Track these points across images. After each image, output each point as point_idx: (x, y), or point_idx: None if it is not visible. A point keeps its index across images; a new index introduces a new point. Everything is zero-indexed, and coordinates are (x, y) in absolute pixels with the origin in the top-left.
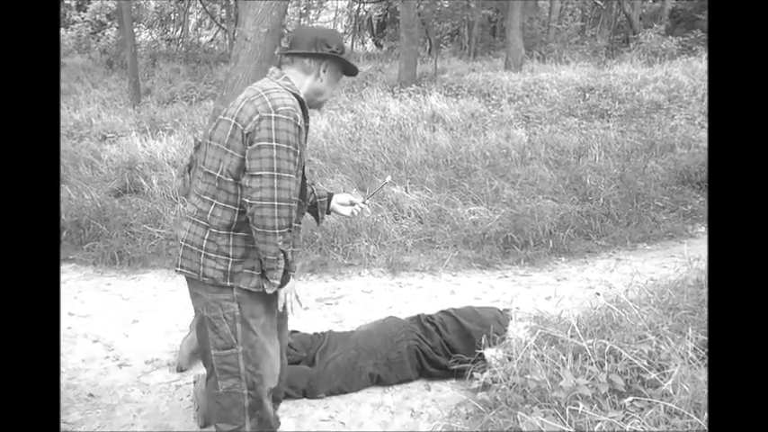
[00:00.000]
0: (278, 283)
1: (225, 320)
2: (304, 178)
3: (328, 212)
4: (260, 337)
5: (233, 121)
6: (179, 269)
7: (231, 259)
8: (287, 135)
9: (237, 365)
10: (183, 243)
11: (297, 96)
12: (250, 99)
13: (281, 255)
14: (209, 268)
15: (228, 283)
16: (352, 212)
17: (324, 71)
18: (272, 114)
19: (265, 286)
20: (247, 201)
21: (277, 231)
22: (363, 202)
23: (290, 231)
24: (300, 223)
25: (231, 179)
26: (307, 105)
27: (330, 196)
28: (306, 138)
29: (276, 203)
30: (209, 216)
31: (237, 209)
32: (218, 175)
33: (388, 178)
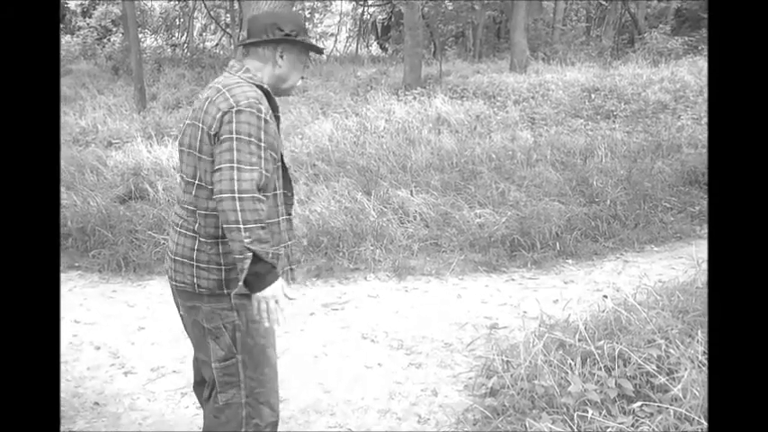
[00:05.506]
0: (241, 284)
1: (225, 330)
2: (285, 169)
3: None
4: (258, 341)
5: (199, 124)
6: (173, 282)
7: (224, 267)
8: (248, 127)
9: (237, 374)
10: (173, 256)
11: (261, 88)
12: (212, 99)
13: (249, 254)
14: (203, 279)
15: (225, 291)
16: None
17: (281, 57)
18: (234, 109)
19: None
20: (214, 197)
21: (242, 227)
22: None
23: (262, 228)
24: (291, 215)
25: (209, 186)
26: (273, 95)
27: None
28: (279, 128)
29: (237, 195)
30: (196, 226)
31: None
32: (195, 182)
33: None
